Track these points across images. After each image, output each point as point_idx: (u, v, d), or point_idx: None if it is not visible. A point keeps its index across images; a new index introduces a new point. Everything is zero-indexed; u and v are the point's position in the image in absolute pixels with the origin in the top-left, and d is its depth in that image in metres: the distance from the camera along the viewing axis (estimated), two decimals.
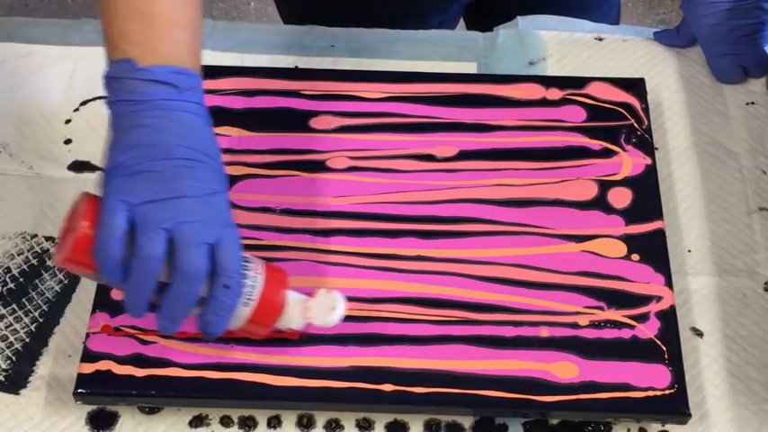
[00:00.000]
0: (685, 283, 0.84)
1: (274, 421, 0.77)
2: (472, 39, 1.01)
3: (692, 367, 0.80)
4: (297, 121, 0.90)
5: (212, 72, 0.92)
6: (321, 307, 0.72)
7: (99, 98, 0.95)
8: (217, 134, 0.87)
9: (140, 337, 0.77)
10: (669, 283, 0.81)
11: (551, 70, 0.98)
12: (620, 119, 0.90)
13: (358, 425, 0.77)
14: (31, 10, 2.10)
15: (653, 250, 0.82)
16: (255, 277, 0.70)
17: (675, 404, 0.75)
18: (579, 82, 0.93)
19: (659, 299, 0.80)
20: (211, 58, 0.97)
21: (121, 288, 0.68)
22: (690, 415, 0.75)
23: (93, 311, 0.79)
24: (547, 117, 0.90)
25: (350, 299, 0.74)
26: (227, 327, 0.70)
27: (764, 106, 0.96)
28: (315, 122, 0.90)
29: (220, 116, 0.89)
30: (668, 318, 0.79)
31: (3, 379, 0.79)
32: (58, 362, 0.80)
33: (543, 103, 0.91)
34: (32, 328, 0.81)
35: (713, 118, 0.95)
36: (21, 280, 0.84)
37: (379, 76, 0.94)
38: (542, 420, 0.77)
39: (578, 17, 1.02)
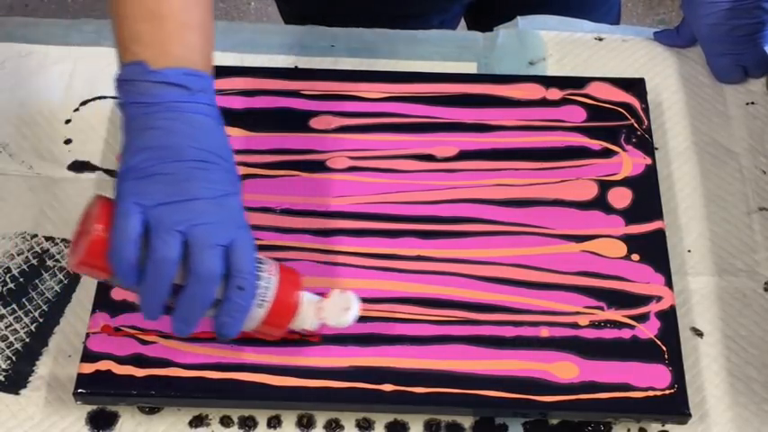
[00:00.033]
0: (685, 283, 0.84)
1: (274, 421, 0.77)
2: (472, 39, 1.01)
3: (692, 367, 0.80)
4: (297, 121, 0.90)
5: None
6: (335, 307, 0.72)
7: (99, 98, 0.95)
8: None
9: (140, 337, 0.77)
10: (669, 283, 0.81)
11: (551, 70, 0.98)
12: (620, 119, 0.90)
13: (358, 425, 0.77)
14: (31, 10, 2.10)
15: (653, 250, 0.82)
16: (269, 278, 0.70)
17: (675, 404, 0.75)
18: (579, 82, 0.93)
19: (659, 299, 0.80)
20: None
21: (135, 291, 0.68)
22: (690, 415, 0.75)
23: (93, 311, 0.79)
24: (547, 117, 0.90)
25: None
26: (241, 328, 0.70)
27: (764, 106, 0.96)
28: (315, 122, 0.90)
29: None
30: (668, 318, 0.79)
31: (3, 379, 0.79)
32: (58, 362, 0.80)
33: (543, 103, 0.91)
34: (32, 328, 0.81)
35: (713, 118, 0.95)
36: (21, 280, 0.84)
37: (379, 76, 0.94)
38: (542, 420, 0.77)
39: (579, 17, 1.02)
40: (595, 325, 0.79)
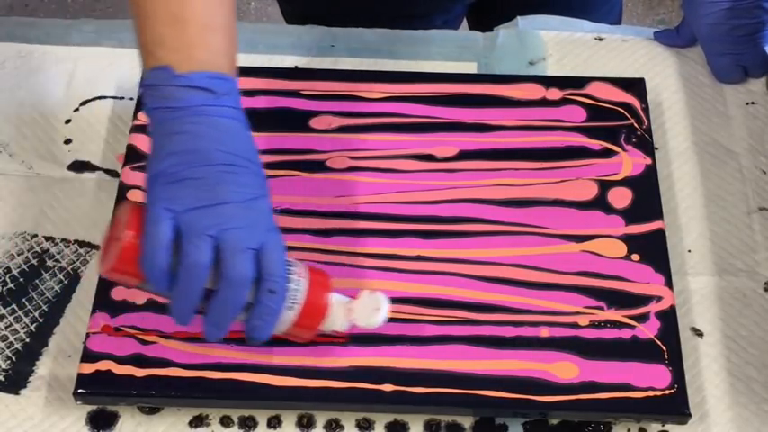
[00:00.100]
0: (685, 283, 0.84)
1: (274, 421, 0.77)
2: (472, 39, 1.01)
3: (692, 367, 0.80)
4: (297, 121, 0.90)
5: None
6: (365, 308, 0.72)
7: (99, 98, 0.95)
8: None
9: (140, 337, 0.77)
10: (669, 283, 0.81)
11: (551, 70, 0.98)
12: (620, 119, 0.90)
13: (358, 425, 0.77)
14: (31, 10, 2.10)
15: (653, 250, 0.82)
16: (299, 281, 0.70)
17: (675, 404, 0.75)
18: (579, 82, 0.93)
19: (659, 299, 0.80)
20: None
21: (167, 296, 0.68)
22: (690, 415, 0.75)
23: (93, 311, 0.79)
24: (547, 117, 0.90)
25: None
26: (272, 331, 0.70)
27: (764, 106, 0.96)
28: (315, 122, 0.90)
29: None
30: (668, 318, 0.79)
31: (3, 379, 0.79)
32: (58, 362, 0.80)
33: (543, 103, 0.91)
34: (32, 328, 0.81)
35: (713, 118, 0.95)
36: (21, 280, 0.84)
37: (379, 76, 0.94)
38: (542, 420, 0.77)
39: (581, 17, 1.02)
40: (595, 325, 0.79)
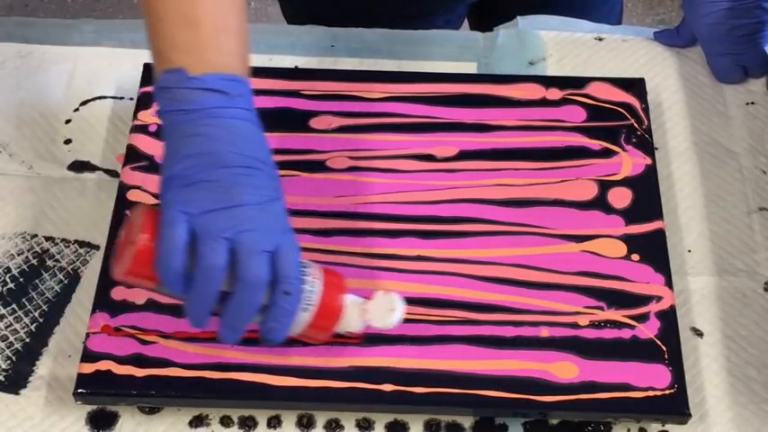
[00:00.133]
0: (685, 283, 0.84)
1: (274, 421, 0.77)
2: (472, 39, 1.01)
3: (692, 367, 0.80)
4: (297, 121, 0.90)
5: None
6: (380, 309, 0.72)
7: (99, 98, 0.95)
8: None
9: (140, 337, 0.77)
10: (669, 283, 0.81)
11: (551, 70, 0.98)
12: (620, 119, 0.90)
13: (358, 425, 0.77)
14: (31, 10, 2.10)
15: (653, 250, 0.82)
16: (314, 282, 0.70)
17: (675, 404, 0.75)
18: (579, 82, 0.93)
19: (659, 299, 0.80)
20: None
21: (182, 299, 0.68)
22: (690, 415, 0.75)
23: (93, 311, 0.79)
24: (547, 117, 0.90)
25: None
26: (288, 333, 0.70)
27: (764, 106, 0.96)
28: (315, 122, 0.90)
29: None
30: (668, 318, 0.79)
31: (3, 379, 0.79)
32: (58, 362, 0.80)
33: (543, 103, 0.91)
34: (32, 328, 0.81)
35: (713, 118, 0.95)
36: (21, 280, 0.84)
37: (379, 76, 0.94)
38: (542, 420, 0.77)
39: (581, 17, 1.02)
40: (595, 325, 0.79)
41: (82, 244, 0.86)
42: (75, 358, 0.78)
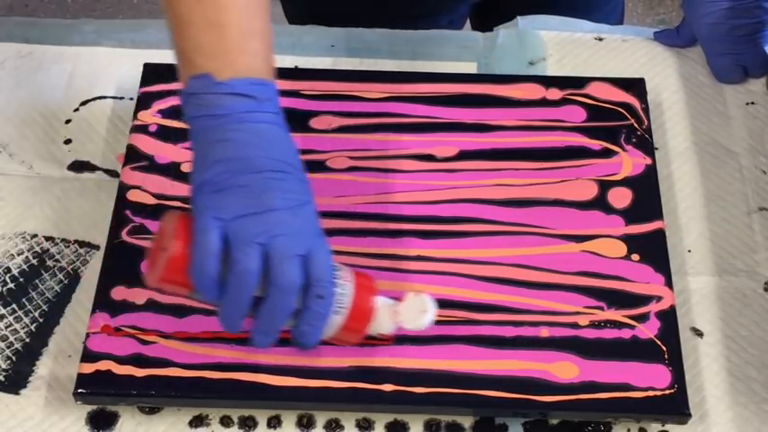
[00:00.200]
0: (685, 283, 0.84)
1: (274, 421, 0.77)
2: (472, 39, 1.01)
3: (692, 367, 0.80)
4: (297, 121, 0.90)
5: None
6: (411, 310, 0.72)
7: (99, 98, 0.95)
8: None
9: (140, 337, 0.77)
10: (669, 283, 0.81)
11: (551, 70, 0.98)
12: (620, 119, 0.90)
13: (358, 425, 0.77)
14: (31, 10, 2.10)
15: (653, 250, 0.83)
16: (345, 285, 0.70)
17: (675, 404, 0.75)
18: (579, 82, 0.93)
19: (659, 299, 0.80)
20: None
21: (215, 304, 0.68)
22: (690, 415, 0.75)
23: (93, 311, 0.79)
24: (547, 117, 0.90)
25: None
26: (321, 336, 0.70)
27: (764, 106, 0.96)
28: (315, 122, 0.90)
29: None
30: (668, 318, 0.79)
31: (3, 379, 0.79)
32: (58, 362, 0.80)
33: (543, 103, 0.91)
34: (32, 328, 0.81)
35: (713, 118, 0.95)
36: (21, 280, 0.84)
37: (379, 76, 0.94)
38: (542, 420, 0.77)
39: (584, 16, 1.02)
40: (595, 325, 0.79)
41: (82, 244, 0.86)
42: (75, 358, 0.78)
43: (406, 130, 0.89)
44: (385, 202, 0.85)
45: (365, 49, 0.99)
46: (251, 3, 0.71)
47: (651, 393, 0.75)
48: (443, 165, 0.87)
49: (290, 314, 0.67)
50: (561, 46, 1.00)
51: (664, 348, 0.78)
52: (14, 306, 0.82)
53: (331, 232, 0.82)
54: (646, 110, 0.91)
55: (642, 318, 0.79)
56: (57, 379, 0.79)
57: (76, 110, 0.94)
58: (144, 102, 0.90)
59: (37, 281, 0.84)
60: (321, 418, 0.77)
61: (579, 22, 1.02)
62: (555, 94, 0.92)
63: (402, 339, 0.77)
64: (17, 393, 0.78)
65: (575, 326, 0.79)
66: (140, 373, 0.76)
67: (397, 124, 0.90)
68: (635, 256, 0.82)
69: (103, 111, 0.94)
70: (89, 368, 0.76)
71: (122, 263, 0.81)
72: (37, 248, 0.85)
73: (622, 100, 0.91)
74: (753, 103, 0.96)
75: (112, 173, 0.90)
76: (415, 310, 0.72)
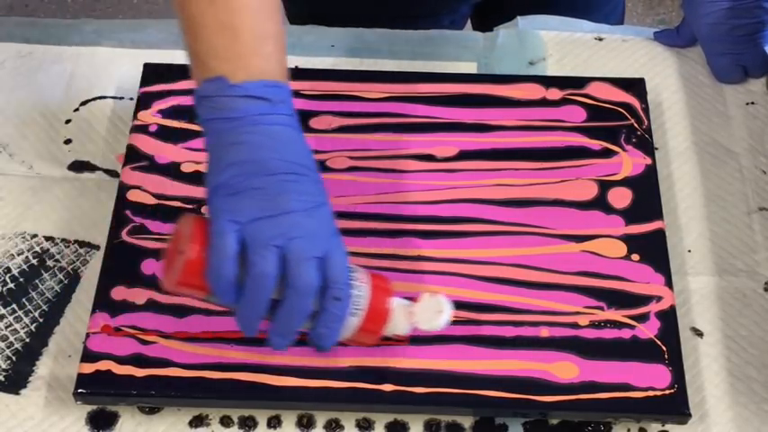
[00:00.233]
0: (685, 283, 0.84)
1: (274, 421, 0.77)
2: (472, 39, 1.01)
3: (692, 367, 0.80)
4: None
5: None
6: (427, 311, 0.72)
7: (99, 98, 0.95)
8: None
9: (140, 337, 0.77)
10: (669, 283, 0.81)
11: (551, 70, 0.98)
12: (620, 119, 0.90)
13: (358, 425, 0.77)
14: (31, 10, 2.10)
15: (653, 250, 0.83)
16: (361, 286, 0.70)
17: (675, 404, 0.75)
18: (579, 82, 0.93)
19: (659, 299, 0.80)
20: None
21: (233, 307, 0.67)
22: (690, 415, 0.75)
23: (93, 311, 0.79)
24: (547, 117, 0.90)
25: None
26: (338, 338, 0.70)
27: (764, 106, 0.96)
28: (315, 122, 0.90)
29: None
30: (668, 318, 0.79)
31: (3, 379, 0.79)
32: (58, 362, 0.80)
33: (543, 103, 0.91)
34: (32, 328, 0.81)
35: (713, 118, 0.95)
36: (21, 280, 0.84)
37: (379, 76, 0.94)
38: (542, 420, 0.77)
39: (584, 16, 1.02)
40: (595, 325, 0.79)
41: (82, 244, 0.86)
42: (75, 358, 0.78)
43: (406, 130, 0.89)
44: (385, 202, 0.85)
45: (365, 49, 0.99)
46: (263, 5, 0.71)
47: (651, 393, 0.75)
48: (443, 165, 0.87)
49: (308, 316, 0.67)
50: (561, 46, 1.00)
51: (664, 348, 0.78)
52: (14, 306, 0.82)
53: None
54: (646, 110, 0.91)
55: (642, 318, 0.79)
56: (57, 379, 0.79)
57: (76, 110, 0.94)
58: (144, 102, 0.90)
59: (37, 281, 0.84)
60: (321, 418, 0.77)
61: (579, 22, 1.02)
62: (555, 94, 0.92)
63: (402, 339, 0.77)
64: (17, 393, 0.78)
65: (575, 326, 0.79)
66: (140, 373, 0.76)
67: (397, 124, 0.90)
68: (635, 256, 0.82)
69: (103, 111, 0.94)
70: (89, 368, 0.76)
71: (122, 263, 0.81)
72: (37, 248, 0.85)
73: (622, 100, 0.91)
74: (753, 103, 0.96)
75: (112, 173, 0.90)
76: (431, 310, 0.72)
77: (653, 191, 0.86)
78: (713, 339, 0.82)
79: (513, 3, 1.05)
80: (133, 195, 0.85)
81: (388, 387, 0.76)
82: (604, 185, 0.86)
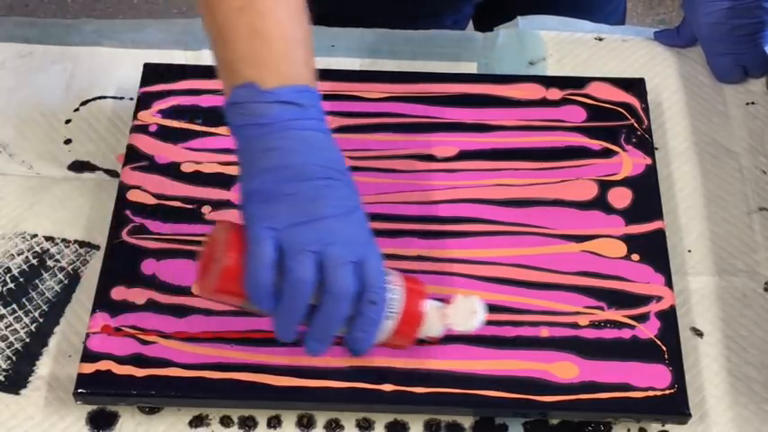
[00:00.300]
0: (685, 283, 0.84)
1: (274, 421, 0.77)
2: (472, 39, 1.01)
3: (692, 367, 0.80)
4: None
5: (212, 72, 0.92)
6: (460, 312, 0.72)
7: (99, 98, 0.95)
8: (216, 134, 0.88)
9: (140, 337, 0.77)
10: (669, 283, 0.81)
11: (551, 70, 0.98)
12: (620, 119, 0.90)
13: (358, 425, 0.77)
14: (30, 10, 2.10)
15: (653, 250, 0.82)
16: (395, 289, 0.70)
17: (675, 404, 0.75)
18: (579, 82, 0.93)
19: (659, 299, 0.80)
20: (211, 58, 0.97)
21: (270, 314, 0.67)
22: (690, 415, 0.75)
23: (93, 311, 0.79)
24: (547, 117, 0.90)
25: None
26: (374, 342, 0.70)
27: (764, 106, 0.96)
28: None
29: (220, 116, 0.89)
30: (668, 318, 0.79)
31: (3, 379, 0.79)
32: (58, 362, 0.80)
33: (543, 103, 0.91)
34: (32, 328, 0.81)
35: (713, 118, 0.95)
36: (21, 280, 0.84)
37: (379, 76, 0.94)
38: (542, 420, 0.77)
39: (585, 16, 1.02)
40: (595, 325, 0.79)
41: (82, 244, 0.86)
42: (75, 358, 0.78)
43: (406, 130, 0.89)
44: (385, 202, 0.85)
45: (365, 49, 0.99)
46: (292, 10, 0.71)
47: (651, 393, 0.75)
48: (443, 165, 0.87)
49: (344, 321, 0.67)
50: (561, 46, 1.00)
51: (664, 348, 0.78)
52: (14, 306, 0.82)
53: None
54: (646, 110, 0.91)
55: (642, 318, 0.79)
56: (57, 379, 0.79)
57: (76, 110, 0.94)
58: (144, 102, 0.90)
59: (37, 281, 0.84)
60: (321, 418, 0.77)
61: (579, 22, 1.02)
62: (555, 94, 0.92)
63: None
64: (17, 393, 0.78)
65: (575, 326, 0.79)
66: (140, 373, 0.76)
67: (397, 124, 0.90)
68: (635, 256, 0.82)
69: (103, 111, 0.94)
70: (89, 368, 0.76)
71: (122, 263, 0.81)
72: (37, 248, 0.85)
73: (622, 100, 0.91)
74: (753, 103, 0.96)
75: (112, 173, 0.90)
76: (465, 311, 0.72)
77: (653, 191, 0.86)
78: (713, 339, 0.82)
79: (514, 3, 1.05)
80: (133, 195, 0.85)
81: (388, 387, 0.76)
82: (604, 185, 0.86)
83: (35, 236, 0.86)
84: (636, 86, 0.92)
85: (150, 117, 0.89)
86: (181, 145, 0.88)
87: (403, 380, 0.76)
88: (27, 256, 0.85)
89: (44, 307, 0.82)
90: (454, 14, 1.12)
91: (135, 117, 0.89)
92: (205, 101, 0.90)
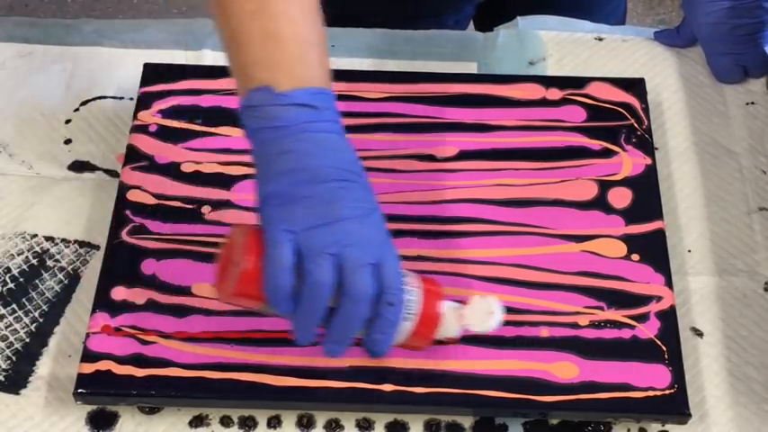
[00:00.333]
0: (685, 283, 0.84)
1: (274, 421, 0.77)
2: (472, 39, 1.01)
3: (692, 367, 0.80)
4: None
5: (212, 72, 0.92)
6: (478, 313, 0.72)
7: (99, 98, 0.95)
8: (216, 134, 0.88)
9: (140, 337, 0.77)
10: (669, 283, 0.81)
11: (551, 70, 0.98)
12: (620, 119, 0.90)
13: (358, 425, 0.77)
14: (30, 10, 2.10)
15: (653, 250, 0.82)
16: (413, 291, 0.70)
17: (675, 404, 0.75)
18: (579, 82, 0.93)
19: (659, 299, 0.80)
20: (211, 58, 0.97)
21: (288, 317, 0.67)
22: (690, 415, 0.75)
23: (93, 311, 0.79)
24: (547, 117, 0.90)
25: None
26: (392, 343, 0.70)
27: (764, 106, 0.96)
28: None
29: (220, 116, 0.89)
30: (668, 318, 0.79)
31: (3, 379, 0.79)
32: (58, 362, 0.80)
33: (543, 103, 0.91)
34: (32, 328, 0.81)
35: (713, 118, 0.95)
36: (21, 280, 0.84)
37: (379, 76, 0.94)
38: (542, 420, 0.77)
39: (586, 17, 1.02)
40: (595, 325, 0.79)
41: (82, 244, 0.86)
42: (75, 358, 0.78)
43: (406, 130, 0.89)
44: (385, 202, 0.85)
45: (365, 49, 0.99)
46: (305, 13, 0.71)
47: (651, 393, 0.75)
48: (443, 165, 0.87)
49: (363, 323, 0.67)
50: (561, 46, 1.00)
51: (664, 348, 0.78)
52: (14, 306, 0.82)
53: None
54: (646, 110, 0.91)
55: (642, 318, 0.79)
56: (57, 379, 0.79)
57: (76, 110, 0.94)
58: (144, 102, 0.90)
59: (37, 281, 0.84)
60: (321, 418, 0.77)
61: (579, 22, 1.02)
62: (555, 94, 0.92)
63: None
64: (17, 393, 0.78)
65: (575, 326, 0.79)
66: (140, 373, 0.76)
67: (397, 124, 0.90)
68: (635, 256, 0.82)
69: (103, 111, 0.94)
70: (89, 368, 0.76)
71: (122, 263, 0.81)
72: (37, 248, 0.85)
73: (622, 100, 0.91)
74: (753, 103, 0.96)
75: (112, 173, 0.90)
76: (482, 312, 0.72)
77: (653, 191, 0.86)
78: (713, 339, 0.82)
79: (514, 3, 1.05)
80: (133, 195, 0.85)
81: (388, 387, 0.76)
82: (604, 185, 0.86)
83: (35, 236, 0.86)
84: (636, 86, 0.92)
85: (150, 117, 0.89)
86: (181, 145, 0.88)
87: (403, 380, 0.76)
88: (27, 256, 0.85)
89: (44, 307, 0.82)
90: (455, 14, 1.12)
91: (135, 117, 0.89)
92: (205, 101, 0.90)
